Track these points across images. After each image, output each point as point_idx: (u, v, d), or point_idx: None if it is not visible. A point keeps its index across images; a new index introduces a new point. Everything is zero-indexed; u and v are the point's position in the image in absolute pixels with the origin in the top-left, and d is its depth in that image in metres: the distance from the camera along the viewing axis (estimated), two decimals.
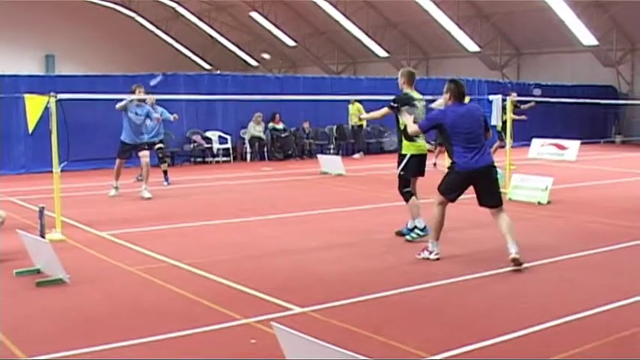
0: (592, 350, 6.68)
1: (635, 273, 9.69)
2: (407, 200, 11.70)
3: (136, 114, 16.74)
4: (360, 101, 27.06)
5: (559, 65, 39.31)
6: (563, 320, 7.51)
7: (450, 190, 10.18)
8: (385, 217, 14.14)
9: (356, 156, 28.64)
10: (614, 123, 38.52)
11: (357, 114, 27.16)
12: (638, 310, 8.00)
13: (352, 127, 29.16)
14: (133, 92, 16.94)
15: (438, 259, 10.18)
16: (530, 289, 8.92)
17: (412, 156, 11.62)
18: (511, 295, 8.68)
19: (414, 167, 11.70)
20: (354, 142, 29.55)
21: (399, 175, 11.76)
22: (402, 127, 11.61)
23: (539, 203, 15.50)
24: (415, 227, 11.62)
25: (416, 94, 11.80)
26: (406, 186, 11.70)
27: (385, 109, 11.81)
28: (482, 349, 6.67)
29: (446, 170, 10.52)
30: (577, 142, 27.50)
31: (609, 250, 11.05)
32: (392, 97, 11.74)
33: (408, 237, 11.60)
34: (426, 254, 10.26)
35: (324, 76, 41.61)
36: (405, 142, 11.63)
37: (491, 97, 22.53)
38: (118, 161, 17.04)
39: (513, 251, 9.69)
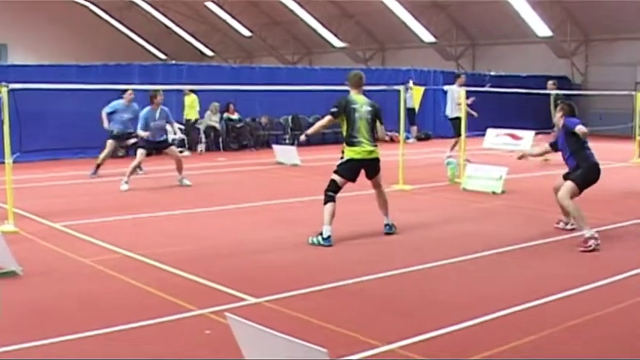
0: (546, 338, 6.76)
1: (589, 262, 9.81)
2: (325, 202, 11.17)
3: None
4: (195, 92, 25.84)
5: (514, 56, 39.55)
6: (518, 308, 7.60)
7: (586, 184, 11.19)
8: (341, 208, 14.16)
9: (186, 153, 25.08)
10: None
11: (191, 106, 26.58)
12: (592, 298, 8.12)
13: (187, 121, 26.25)
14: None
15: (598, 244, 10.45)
16: (486, 278, 9.02)
17: (351, 160, 11.39)
18: (466, 284, 8.76)
19: (350, 171, 11.40)
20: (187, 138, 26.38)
21: (333, 172, 11.44)
22: (343, 133, 11.56)
23: (493, 193, 15.62)
24: (321, 234, 10.93)
25: (359, 98, 11.73)
26: (332, 190, 11.24)
27: (328, 118, 11.71)
28: (437, 338, 6.73)
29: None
30: (532, 133, 27.66)
31: (564, 239, 11.17)
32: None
33: (309, 239, 10.92)
34: (592, 244, 10.42)
35: (279, 66, 41.50)
36: (346, 148, 11.46)
37: (445, 88, 22.66)
38: None
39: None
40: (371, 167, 11.49)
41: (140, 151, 17.04)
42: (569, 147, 11.16)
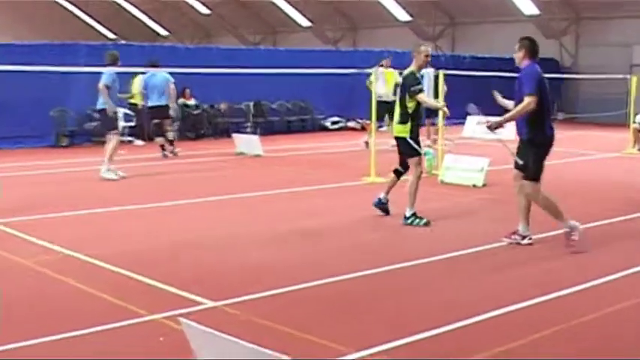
0: (536, 341, 6.82)
1: (576, 261, 9.88)
2: None
3: None
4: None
5: (497, 36, 39.60)
6: (503, 311, 7.67)
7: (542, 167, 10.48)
8: (308, 202, 14.21)
9: (139, 142, 25.37)
10: (556, 99, 39.09)
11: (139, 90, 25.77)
12: (580, 301, 8.19)
13: (134, 105, 24.95)
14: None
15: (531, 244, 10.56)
16: (466, 279, 9.08)
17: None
18: (443, 286, 8.83)
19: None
20: (134, 126, 25.19)
21: None
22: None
23: (474, 186, 15.69)
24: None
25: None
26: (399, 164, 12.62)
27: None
28: (412, 344, 6.75)
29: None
30: None
31: (547, 236, 11.19)
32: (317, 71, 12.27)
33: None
34: (575, 236, 10.33)
35: (240, 47, 41.42)
36: None
37: (422, 71, 22.77)
38: None
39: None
40: (398, 146, 12.53)
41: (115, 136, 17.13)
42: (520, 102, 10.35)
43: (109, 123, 17.19)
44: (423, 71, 22.61)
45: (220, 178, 17.85)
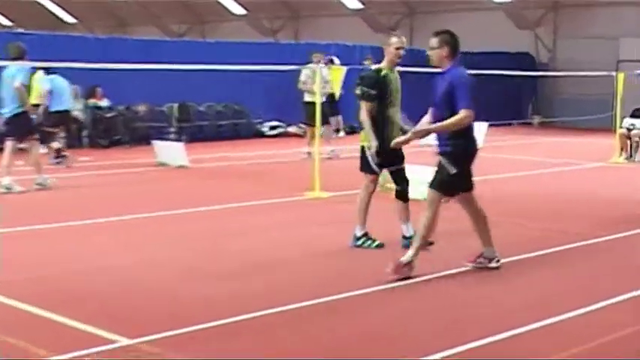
0: None
1: (557, 287, 9.97)
2: None
3: None
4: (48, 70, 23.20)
5: (462, 27, 39.11)
6: (470, 346, 7.68)
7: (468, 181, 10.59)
8: (240, 221, 14.16)
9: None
10: (531, 100, 39.35)
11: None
12: (559, 333, 8.25)
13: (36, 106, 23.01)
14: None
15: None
16: (426, 309, 9.15)
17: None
18: (402, 316, 8.85)
19: None
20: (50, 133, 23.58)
21: None
22: None
23: None
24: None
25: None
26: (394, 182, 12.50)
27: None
28: None
29: None
30: (484, 125, 28.01)
31: (518, 259, 11.30)
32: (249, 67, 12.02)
33: None
34: (406, 272, 10.16)
35: (163, 38, 41.27)
36: None
37: (374, 68, 22.85)
38: None
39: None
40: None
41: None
42: (448, 111, 10.25)
43: (25, 128, 17.25)
44: (375, 67, 22.79)
45: (136, 193, 17.77)
